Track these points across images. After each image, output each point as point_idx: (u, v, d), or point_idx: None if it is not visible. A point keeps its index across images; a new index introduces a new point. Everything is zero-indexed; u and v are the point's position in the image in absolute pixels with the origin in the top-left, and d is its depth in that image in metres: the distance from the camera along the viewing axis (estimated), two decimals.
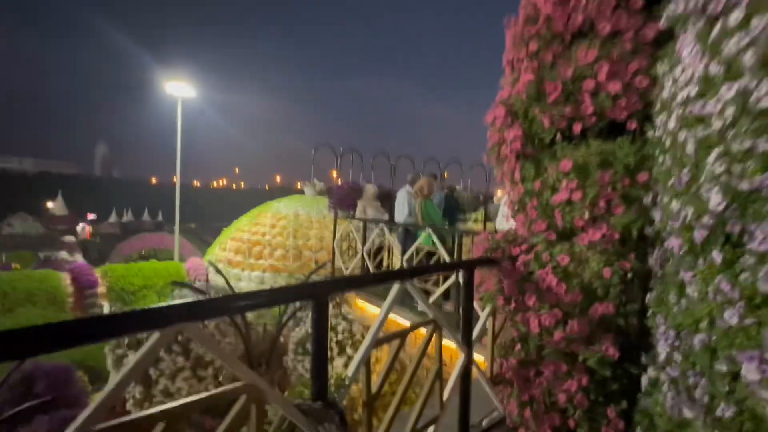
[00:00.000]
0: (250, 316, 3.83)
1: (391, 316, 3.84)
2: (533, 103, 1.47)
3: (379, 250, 4.86)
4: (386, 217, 5.07)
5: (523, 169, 1.53)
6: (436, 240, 3.80)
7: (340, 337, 2.36)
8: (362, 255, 4.88)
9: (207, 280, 11.83)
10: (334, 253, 5.77)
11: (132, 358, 2.03)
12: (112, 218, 49.75)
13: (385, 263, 4.88)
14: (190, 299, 2.93)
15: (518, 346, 1.47)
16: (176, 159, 18.23)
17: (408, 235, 4.23)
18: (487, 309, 1.61)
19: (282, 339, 3.05)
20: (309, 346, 2.40)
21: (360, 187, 5.38)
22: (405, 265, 4.07)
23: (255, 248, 12.56)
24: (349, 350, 2.32)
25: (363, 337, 2.31)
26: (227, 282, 3.95)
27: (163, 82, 17.10)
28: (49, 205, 46.77)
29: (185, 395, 1.97)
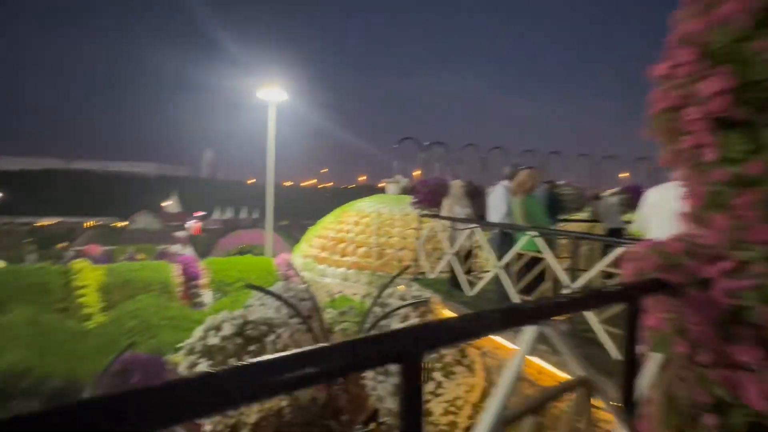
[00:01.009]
0: (328, 316, 3.61)
1: (499, 339, 3.32)
2: (754, 36, 0.92)
3: (470, 253, 4.34)
4: (475, 216, 4.53)
5: (725, 142, 0.98)
6: (542, 245, 3.24)
7: (447, 358, 1.98)
8: (450, 258, 4.41)
9: (292, 276, 12.29)
10: (417, 256, 5.34)
11: (203, 366, 1.85)
12: (216, 215, 55.07)
13: (476, 268, 4.35)
14: (263, 301, 2.79)
15: (710, 419, 0.93)
16: (269, 161, 19.35)
17: (505, 238, 3.68)
18: (657, 358, 1.07)
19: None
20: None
21: (446, 183, 4.90)
22: (502, 273, 3.52)
23: (339, 245, 12.74)
24: (438, 375, 1.93)
25: (455, 360, 1.90)
26: (302, 279, 3.80)
27: (257, 87, 18.21)
28: (165, 204, 53.18)
29: None
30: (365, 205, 13.77)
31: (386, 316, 2.64)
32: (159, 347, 7.33)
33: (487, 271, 3.81)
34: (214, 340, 1.81)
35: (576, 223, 5.24)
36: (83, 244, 28.06)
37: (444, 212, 4.67)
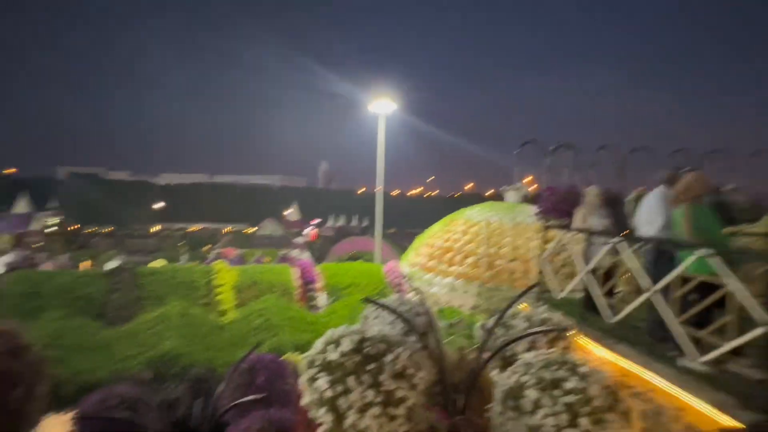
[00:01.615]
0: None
1: (650, 377, 2.78)
2: None
3: (610, 271, 3.72)
4: (615, 228, 3.87)
5: None
6: (721, 267, 2.56)
7: (568, 399, 1.68)
8: (585, 278, 3.81)
9: (400, 284, 12.39)
10: (541, 273, 4.77)
11: (323, 381, 1.82)
12: (330, 223, 58.89)
13: (619, 292, 3.68)
14: (377, 313, 2.72)
15: None
16: (379, 171, 20.02)
17: (661, 257, 3.05)
18: None
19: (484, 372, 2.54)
20: (524, 402, 1.79)
21: (578, 190, 4.31)
22: (658, 298, 2.89)
23: (447, 255, 12.51)
24: (584, 421, 1.62)
25: (607, 404, 1.58)
26: (418, 292, 3.68)
27: (368, 101, 19.01)
28: (286, 212, 58.59)
29: None
30: (474, 213, 13.32)
31: (512, 341, 2.37)
32: (279, 345, 7.94)
33: (634, 294, 3.20)
34: (333, 355, 1.78)
35: (751, 237, 4.16)
36: (222, 247, 32.25)
37: (576, 223, 4.09)
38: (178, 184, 72.69)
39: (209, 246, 34.18)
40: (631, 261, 3.24)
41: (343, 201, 70.69)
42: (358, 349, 1.81)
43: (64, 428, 2.75)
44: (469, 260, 12.06)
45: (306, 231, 44.14)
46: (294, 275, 11.98)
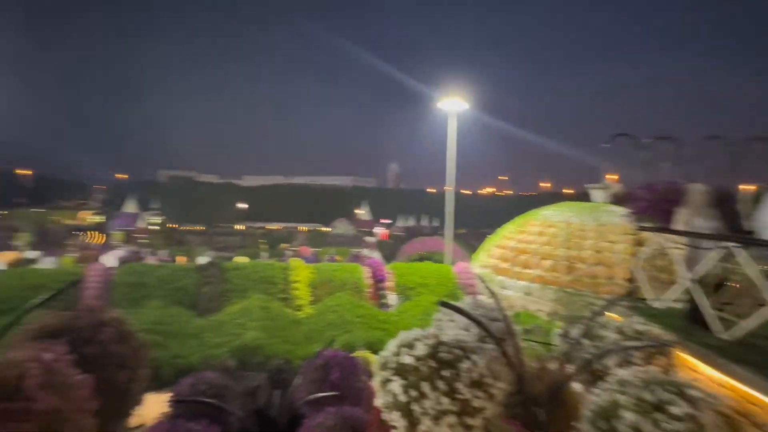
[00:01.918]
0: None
1: (756, 394, 2.37)
2: None
3: (722, 280, 3.24)
4: (727, 230, 3.34)
5: None
6: None
7: (674, 426, 1.46)
8: (690, 286, 3.35)
9: (471, 285, 12.07)
10: (633, 279, 4.29)
11: (396, 385, 1.79)
12: (399, 223, 59.33)
13: (731, 304, 3.18)
14: (452, 316, 2.63)
15: None
16: (449, 170, 19.73)
17: None
18: None
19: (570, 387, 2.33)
20: (619, 424, 1.61)
21: (680, 188, 3.80)
22: None
23: (521, 256, 11.95)
24: None
25: None
26: (493, 295, 3.49)
27: (438, 98, 18.84)
28: (358, 212, 60.08)
29: None
30: (551, 213, 12.58)
31: (603, 354, 2.15)
32: (352, 342, 8.13)
33: (753, 306, 2.73)
34: (407, 359, 1.73)
35: None
36: (298, 245, 33.93)
37: (679, 225, 3.59)
38: (258, 186, 77.87)
39: (287, 245, 36.17)
40: (750, 268, 2.77)
41: (413, 201, 70.78)
42: (433, 354, 1.75)
43: (162, 406, 3.01)
44: (547, 263, 11.40)
45: (376, 230, 44.93)
46: (365, 274, 12.21)
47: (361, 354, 6.17)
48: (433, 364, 1.66)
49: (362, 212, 59.57)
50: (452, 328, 2.35)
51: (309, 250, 29.04)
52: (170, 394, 2.97)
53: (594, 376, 2.17)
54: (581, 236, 11.53)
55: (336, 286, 11.59)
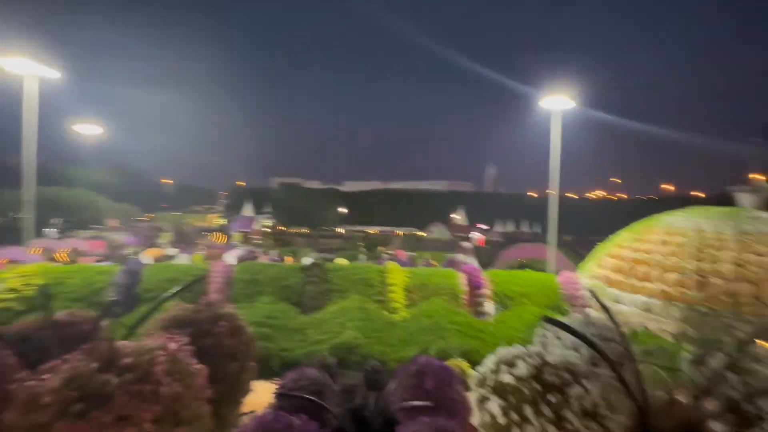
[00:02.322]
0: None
1: None
2: None
3: None
4: None
5: None
6: None
7: None
8: None
9: (578, 297, 11.04)
10: None
11: (494, 404, 1.67)
12: (497, 228, 57.14)
13: None
14: (558, 333, 2.38)
15: None
16: (552, 172, 18.45)
17: None
18: None
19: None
20: None
21: None
22: None
23: (639, 268, 10.61)
24: None
25: None
26: (606, 311, 3.11)
27: (540, 96, 17.74)
28: (453, 216, 59.26)
29: None
30: (677, 219, 11.00)
31: (756, 394, 1.75)
32: (447, 349, 7.97)
33: None
34: (507, 377, 1.60)
35: None
36: (394, 249, 34.61)
37: None
38: (358, 191, 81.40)
39: (383, 248, 37.10)
40: None
41: (513, 205, 67.66)
42: (536, 375, 1.59)
43: (269, 396, 3.25)
44: (671, 276, 9.96)
45: (473, 236, 43.82)
46: (461, 280, 11.92)
47: (456, 363, 6.01)
48: (536, 386, 1.51)
49: (458, 217, 58.62)
50: (558, 347, 2.13)
51: (405, 254, 29.40)
52: (276, 386, 3.19)
53: (743, 419, 1.78)
54: (716, 246, 9.89)
55: (431, 290, 11.50)
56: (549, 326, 2.29)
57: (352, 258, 25.43)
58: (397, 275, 11.82)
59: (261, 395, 3.02)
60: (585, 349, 2.05)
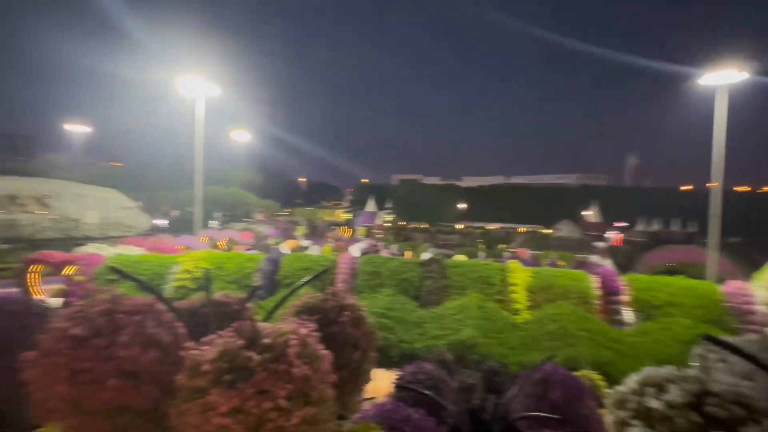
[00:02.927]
0: None
1: None
2: None
3: None
4: None
5: None
6: None
7: None
8: None
9: (751, 313, 9.03)
10: None
11: (637, 430, 1.46)
12: (639, 226, 50.13)
13: None
14: (723, 355, 1.95)
15: None
16: (716, 160, 15.44)
17: None
18: None
19: None
20: None
21: None
22: None
23: None
24: None
25: None
26: None
27: (697, 72, 14.95)
28: (585, 213, 53.75)
29: None
30: None
31: None
32: (575, 357, 7.28)
33: None
34: (655, 402, 1.38)
35: None
36: (516, 247, 32.94)
37: None
38: (478, 186, 79.40)
39: (504, 245, 35.58)
40: None
41: (659, 201, 58.73)
42: (695, 404, 1.33)
43: (388, 384, 3.37)
44: None
45: (609, 235, 39.22)
46: (593, 283, 10.78)
47: (586, 374, 5.44)
48: (695, 418, 1.25)
49: (591, 213, 53.04)
50: (724, 372, 1.75)
51: (527, 253, 27.78)
52: (395, 376, 3.28)
53: None
54: None
55: (557, 293, 10.66)
56: (712, 346, 1.90)
57: (470, 255, 24.97)
58: (519, 275, 11.21)
59: (380, 383, 3.15)
60: (762, 379, 1.65)
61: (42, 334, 1.64)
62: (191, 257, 10.81)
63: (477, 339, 8.07)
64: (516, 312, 10.34)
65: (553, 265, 21.12)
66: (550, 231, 46.29)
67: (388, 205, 59.04)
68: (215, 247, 21.38)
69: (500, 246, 34.66)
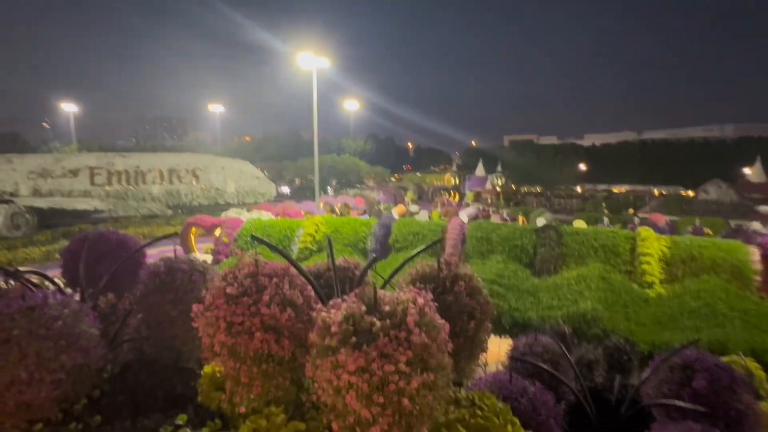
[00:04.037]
0: None
1: None
2: None
3: None
4: None
5: None
6: None
7: None
8: None
9: None
10: None
11: None
12: None
13: None
14: None
15: None
16: None
17: None
18: None
19: None
20: None
21: None
22: None
23: None
24: None
25: None
26: None
27: None
28: (746, 171, 44.56)
29: None
30: None
31: None
32: (725, 342, 6.28)
33: None
34: None
35: None
36: (649, 212, 29.05)
37: None
38: (602, 145, 71.01)
39: (633, 210, 31.64)
40: None
41: None
42: None
43: (500, 352, 3.34)
44: None
45: None
46: (753, 256, 9.06)
47: (737, 361, 4.63)
48: None
49: (753, 172, 43.84)
50: None
51: (663, 218, 24.31)
52: (509, 346, 3.23)
53: None
54: None
55: (703, 266, 9.25)
56: None
57: (593, 220, 22.80)
58: (651, 244, 9.93)
59: (491, 350, 3.15)
60: None
61: (203, 289, 1.97)
62: (312, 222, 11.82)
63: (599, 312, 7.46)
64: (647, 285, 9.26)
65: (698, 233, 18.20)
66: (693, 193, 39.66)
67: (499, 168, 56.44)
68: (332, 211, 23.04)
69: (630, 210, 30.92)
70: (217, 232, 12.04)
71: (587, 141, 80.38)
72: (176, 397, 2.17)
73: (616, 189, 50.36)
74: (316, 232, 11.27)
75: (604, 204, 35.89)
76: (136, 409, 2.03)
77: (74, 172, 24.36)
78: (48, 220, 21.08)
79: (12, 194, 22.49)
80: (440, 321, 1.50)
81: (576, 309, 7.60)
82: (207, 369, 2.12)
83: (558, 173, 59.50)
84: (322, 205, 24.08)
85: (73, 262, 2.80)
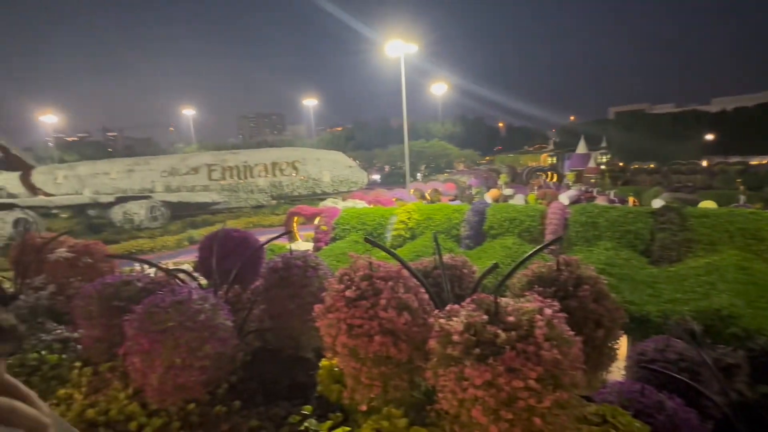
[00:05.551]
0: None
1: None
2: None
3: None
4: None
5: None
6: None
7: None
8: None
9: None
10: None
11: None
12: None
13: None
14: None
15: None
16: None
17: None
18: None
19: None
20: None
21: None
22: None
23: None
24: None
25: None
26: None
27: None
28: None
29: None
30: None
31: None
32: None
33: None
34: None
35: None
36: None
37: None
38: (736, 109, 60.40)
39: None
40: None
41: None
42: None
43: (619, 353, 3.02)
44: None
45: None
46: None
47: None
48: None
49: None
50: None
51: None
52: (636, 351, 2.91)
53: None
54: None
55: None
56: None
57: (725, 200, 19.62)
58: None
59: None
60: None
61: (316, 284, 2.05)
62: (404, 209, 11.93)
63: (738, 308, 6.41)
64: None
65: None
66: None
67: (603, 144, 51.11)
68: (423, 198, 23.03)
69: None
70: (317, 220, 12.76)
71: (715, 106, 68.91)
72: (298, 385, 2.34)
73: (756, 161, 42.67)
74: (409, 219, 11.35)
75: (739, 180, 30.67)
76: (267, 395, 2.23)
77: (195, 170, 27.79)
78: (177, 212, 24.55)
79: (150, 191, 26.50)
80: (571, 334, 1.38)
81: (707, 304, 6.63)
82: (325, 362, 2.24)
83: (676, 146, 52.06)
84: (412, 191, 24.18)
85: (206, 258, 3.15)
